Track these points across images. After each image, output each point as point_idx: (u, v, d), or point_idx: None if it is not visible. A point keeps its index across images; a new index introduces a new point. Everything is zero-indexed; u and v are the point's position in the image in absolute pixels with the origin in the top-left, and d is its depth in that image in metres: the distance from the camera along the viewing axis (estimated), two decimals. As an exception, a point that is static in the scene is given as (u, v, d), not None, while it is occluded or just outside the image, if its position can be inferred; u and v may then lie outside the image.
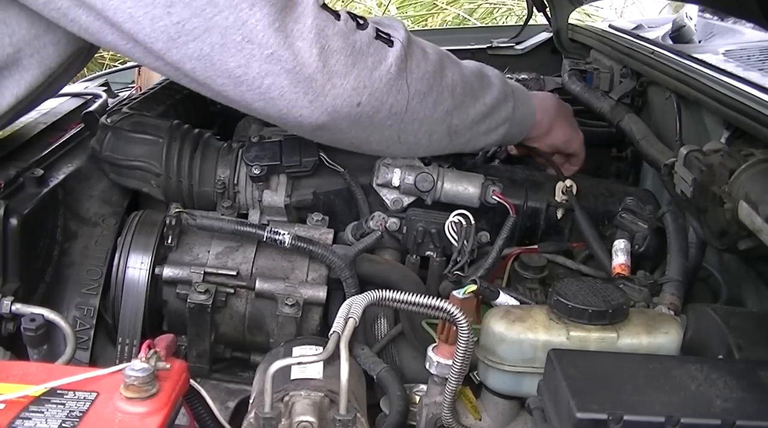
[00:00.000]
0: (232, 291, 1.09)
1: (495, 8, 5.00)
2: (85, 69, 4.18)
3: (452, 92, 1.09)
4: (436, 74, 1.07)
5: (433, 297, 0.86)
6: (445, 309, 0.83)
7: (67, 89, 1.58)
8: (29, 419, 0.73)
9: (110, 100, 1.52)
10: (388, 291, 0.86)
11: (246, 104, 0.97)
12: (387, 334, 1.12)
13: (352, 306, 0.81)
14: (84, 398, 0.76)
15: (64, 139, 1.33)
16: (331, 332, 0.80)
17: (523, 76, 1.88)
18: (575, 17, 1.92)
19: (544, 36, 2.09)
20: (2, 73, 1.01)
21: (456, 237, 1.11)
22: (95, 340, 1.14)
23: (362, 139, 1.06)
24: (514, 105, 1.20)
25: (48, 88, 1.10)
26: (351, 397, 0.81)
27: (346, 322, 0.79)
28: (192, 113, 1.52)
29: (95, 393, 0.77)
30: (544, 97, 1.34)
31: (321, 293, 1.09)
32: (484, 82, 1.15)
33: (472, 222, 1.12)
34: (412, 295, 0.85)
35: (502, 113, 1.18)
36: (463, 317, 0.83)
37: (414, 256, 1.19)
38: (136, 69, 1.82)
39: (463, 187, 1.18)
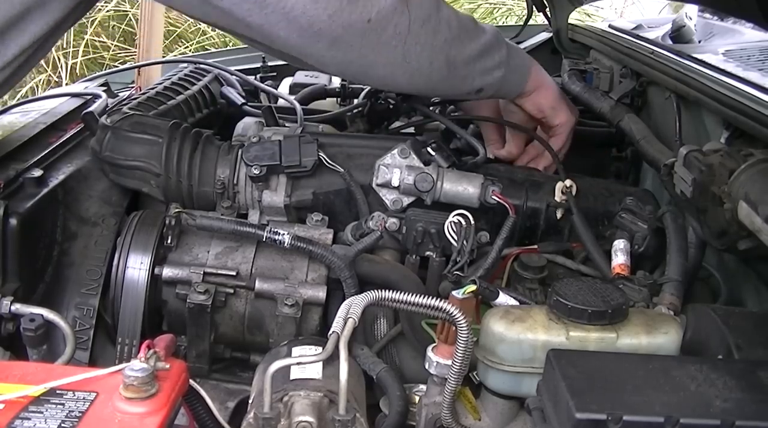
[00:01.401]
0: (231, 291, 1.09)
1: (495, 8, 5.00)
2: (85, 69, 4.13)
3: (449, 25, 1.15)
4: (433, 6, 1.14)
5: (432, 298, 0.85)
6: (444, 310, 0.83)
7: (66, 89, 1.58)
8: (28, 419, 0.73)
9: (110, 100, 1.52)
10: (387, 291, 0.85)
11: (269, 28, 1.04)
12: (387, 334, 1.12)
13: (352, 307, 0.81)
14: (83, 398, 0.76)
15: (64, 139, 1.33)
16: (330, 332, 0.80)
17: (522, 76, 1.88)
18: (575, 17, 1.91)
19: (544, 36, 2.09)
20: (9, 27, 1.03)
21: (455, 238, 1.11)
22: (95, 340, 1.14)
23: (371, 61, 1.11)
24: (508, 52, 1.25)
25: (48, 40, 1.11)
26: (350, 397, 0.81)
27: (345, 322, 0.79)
28: (192, 113, 1.53)
29: (94, 394, 0.77)
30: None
31: (320, 293, 1.09)
32: (478, 27, 1.22)
33: (472, 222, 1.11)
34: (412, 295, 0.85)
35: (496, 57, 1.23)
36: (462, 317, 0.83)
37: (414, 256, 1.18)
38: (136, 69, 1.82)
39: (463, 187, 1.18)
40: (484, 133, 1.45)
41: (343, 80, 1.74)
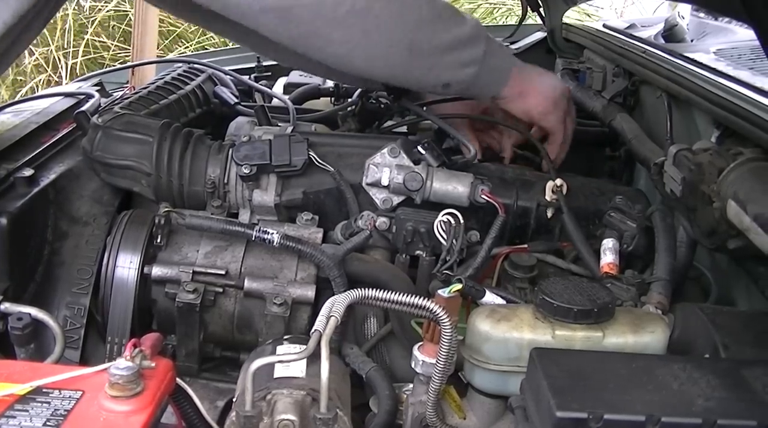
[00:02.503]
0: (220, 290, 1.09)
1: (495, 8, 5.00)
2: (85, 69, 4.12)
3: (419, 7, 1.11)
4: None
5: (416, 296, 0.86)
6: (428, 308, 0.83)
7: (59, 89, 1.59)
8: (14, 417, 0.74)
9: (103, 100, 1.52)
10: (370, 290, 0.86)
11: None
12: (377, 334, 1.12)
13: (335, 305, 0.81)
14: (69, 397, 0.77)
15: (56, 138, 1.33)
16: (312, 330, 0.80)
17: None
18: (575, 17, 1.91)
19: (539, 35, 2.09)
20: None
21: (445, 237, 1.11)
22: (87, 339, 1.14)
23: (326, 37, 1.08)
24: (485, 50, 1.18)
25: (31, 24, 1.09)
26: (333, 395, 0.81)
27: (327, 321, 0.79)
28: (185, 112, 1.53)
29: (80, 392, 0.77)
30: (539, 71, 1.33)
31: (310, 292, 1.09)
32: (457, 18, 1.16)
33: (461, 221, 1.11)
34: (395, 294, 0.85)
35: (472, 52, 1.17)
36: (445, 316, 0.83)
37: (403, 256, 1.18)
38: (130, 69, 1.82)
39: (453, 186, 1.18)
40: (460, 131, 1.38)
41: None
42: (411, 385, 0.98)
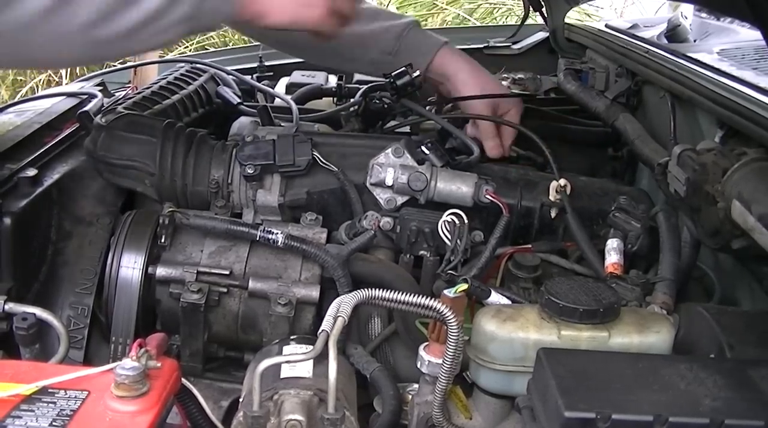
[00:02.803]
0: (225, 290, 1.09)
1: (495, 8, 5.00)
2: (85, 68, 4.15)
3: (90, 4, 0.97)
4: None
5: (423, 296, 0.86)
6: (435, 308, 0.84)
7: (62, 89, 1.58)
8: (20, 417, 0.74)
9: (106, 100, 1.52)
10: (377, 290, 0.86)
11: None
12: (381, 334, 1.12)
13: (341, 305, 0.81)
14: (75, 397, 0.77)
15: (59, 138, 1.33)
16: (319, 331, 0.80)
17: (519, 76, 1.88)
18: (575, 17, 1.91)
19: (541, 36, 2.09)
20: None
21: (449, 237, 1.11)
22: (90, 339, 1.15)
23: None
24: (195, 2, 1.05)
25: None
26: (340, 396, 0.81)
27: (335, 321, 0.79)
28: (187, 112, 1.53)
29: (86, 392, 0.77)
30: None
31: (314, 292, 1.09)
32: None
33: (466, 221, 1.11)
34: (402, 294, 0.85)
35: (177, 12, 1.04)
36: (452, 316, 0.83)
37: (407, 256, 1.18)
38: (132, 69, 1.82)
39: (456, 187, 1.18)
40: (483, 132, 1.40)
41: (339, 80, 1.74)
42: (415, 385, 0.99)
